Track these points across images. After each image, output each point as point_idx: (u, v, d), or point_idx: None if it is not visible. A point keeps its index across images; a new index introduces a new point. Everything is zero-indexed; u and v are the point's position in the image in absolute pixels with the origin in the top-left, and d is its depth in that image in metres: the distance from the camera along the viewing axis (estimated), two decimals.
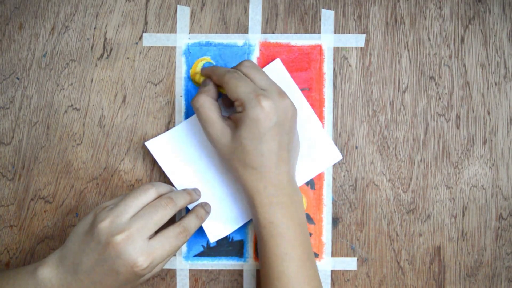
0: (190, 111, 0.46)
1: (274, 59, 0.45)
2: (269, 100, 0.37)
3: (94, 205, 0.46)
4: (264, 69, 0.45)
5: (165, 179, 0.46)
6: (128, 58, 0.46)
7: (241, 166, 0.39)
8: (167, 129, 0.46)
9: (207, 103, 0.39)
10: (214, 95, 0.41)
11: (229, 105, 0.44)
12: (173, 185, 0.44)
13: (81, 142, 0.46)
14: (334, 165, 0.46)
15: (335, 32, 0.46)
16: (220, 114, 0.40)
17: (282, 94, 0.39)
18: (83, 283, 0.37)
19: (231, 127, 0.39)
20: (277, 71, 0.45)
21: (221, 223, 0.44)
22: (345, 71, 0.46)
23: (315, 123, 0.45)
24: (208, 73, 0.42)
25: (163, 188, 0.40)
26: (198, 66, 0.46)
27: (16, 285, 0.37)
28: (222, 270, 0.46)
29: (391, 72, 0.46)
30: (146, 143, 0.44)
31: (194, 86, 0.46)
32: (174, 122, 0.46)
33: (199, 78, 0.45)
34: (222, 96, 0.44)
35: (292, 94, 0.44)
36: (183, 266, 0.46)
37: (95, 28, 0.46)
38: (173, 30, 0.46)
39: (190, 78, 0.46)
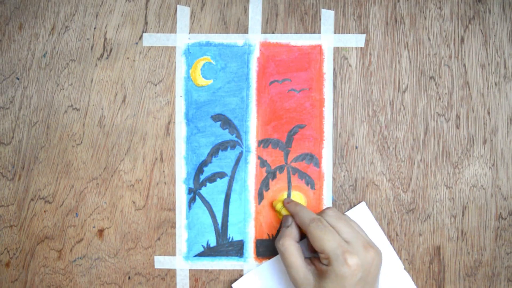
0: (190, 112, 0.46)
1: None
2: (355, 257, 0.37)
3: (94, 205, 0.46)
4: (348, 212, 0.45)
5: (165, 179, 0.46)
6: (128, 58, 0.46)
7: None
8: (167, 129, 0.46)
9: (291, 247, 0.40)
10: (297, 237, 0.41)
11: (312, 250, 0.43)
12: None
13: (81, 142, 0.46)
14: (334, 165, 0.46)
15: (335, 32, 0.46)
16: (303, 258, 0.40)
17: (367, 245, 0.38)
18: None
19: (314, 275, 0.39)
20: (362, 215, 0.45)
21: None
22: (345, 71, 0.46)
23: (397, 266, 0.45)
24: (292, 212, 0.42)
25: None
26: (198, 67, 0.46)
27: None
28: (222, 270, 0.46)
29: (391, 72, 0.46)
30: (234, 286, 0.45)
31: (194, 86, 0.46)
32: (174, 122, 0.46)
33: (280, 208, 0.44)
34: (306, 238, 0.44)
35: (376, 238, 0.45)
36: (183, 266, 0.46)
37: (95, 28, 0.46)
38: (173, 30, 0.46)
39: (190, 78, 0.46)
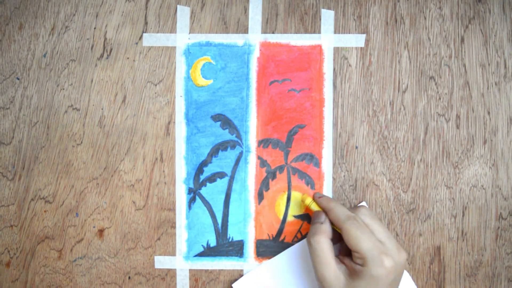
0: (190, 112, 0.46)
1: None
2: (391, 260, 0.37)
3: (94, 205, 0.46)
4: None
5: (165, 179, 0.46)
6: (128, 58, 0.46)
7: None
8: (167, 129, 0.46)
9: (326, 245, 0.39)
10: (330, 234, 0.40)
11: (337, 241, 0.43)
12: None
13: (81, 142, 0.46)
14: (334, 165, 0.46)
15: (335, 32, 0.46)
16: (335, 256, 0.39)
17: (399, 248, 0.38)
18: None
19: (345, 274, 0.38)
20: None
21: None
22: (345, 71, 0.46)
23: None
24: (325, 207, 0.41)
25: None
26: (198, 67, 0.46)
27: None
28: (222, 270, 0.46)
29: (391, 72, 0.46)
30: (234, 286, 0.45)
31: (194, 86, 0.46)
32: (174, 122, 0.46)
33: (310, 202, 0.43)
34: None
35: None
36: (183, 266, 0.46)
37: (95, 28, 0.46)
38: (173, 30, 0.46)
39: (190, 78, 0.46)
